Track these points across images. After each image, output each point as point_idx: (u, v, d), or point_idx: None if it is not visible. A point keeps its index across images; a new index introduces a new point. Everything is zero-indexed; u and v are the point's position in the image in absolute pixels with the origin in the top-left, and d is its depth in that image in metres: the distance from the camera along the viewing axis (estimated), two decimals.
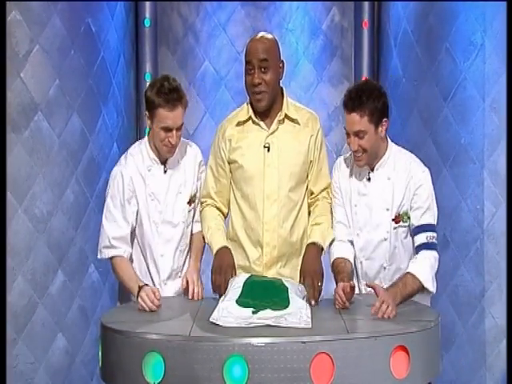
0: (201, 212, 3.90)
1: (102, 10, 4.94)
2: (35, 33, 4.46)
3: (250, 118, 3.83)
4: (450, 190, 4.91)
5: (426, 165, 4.95)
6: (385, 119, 3.57)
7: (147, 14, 5.67)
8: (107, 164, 4.97)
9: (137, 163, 3.72)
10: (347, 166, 3.75)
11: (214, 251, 3.75)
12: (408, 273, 3.48)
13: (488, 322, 4.82)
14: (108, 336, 3.15)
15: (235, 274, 3.66)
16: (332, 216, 3.83)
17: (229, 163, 3.86)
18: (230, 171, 3.87)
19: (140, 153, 3.75)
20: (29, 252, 4.52)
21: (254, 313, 3.17)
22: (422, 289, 3.49)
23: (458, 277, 4.90)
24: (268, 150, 3.80)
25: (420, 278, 3.46)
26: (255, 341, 2.88)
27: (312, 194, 3.90)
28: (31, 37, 4.45)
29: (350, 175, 3.73)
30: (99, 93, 4.90)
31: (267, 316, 3.13)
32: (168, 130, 3.61)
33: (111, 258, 3.68)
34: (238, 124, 3.85)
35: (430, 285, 3.51)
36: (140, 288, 3.45)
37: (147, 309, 3.38)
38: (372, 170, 3.67)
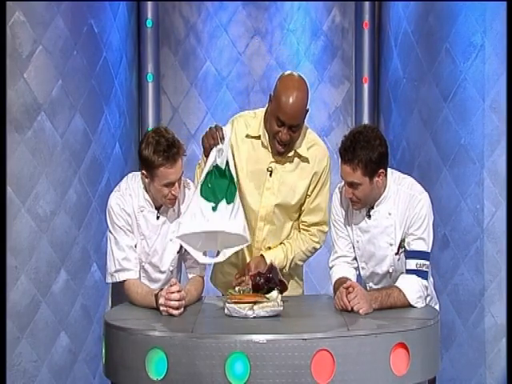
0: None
1: (105, 10, 4.96)
2: (38, 34, 4.48)
3: (259, 136, 3.75)
4: (450, 189, 4.92)
5: (425, 168, 5.02)
6: (381, 170, 3.40)
7: (149, 15, 5.69)
8: (110, 164, 5.00)
9: (133, 200, 3.55)
10: (345, 199, 3.57)
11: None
12: (395, 286, 3.41)
13: (488, 321, 4.83)
14: (111, 333, 3.18)
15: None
16: (305, 256, 3.86)
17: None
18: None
19: (137, 189, 3.56)
20: (32, 251, 4.53)
21: (213, 209, 3.44)
22: (405, 305, 3.38)
23: (458, 276, 4.91)
24: (270, 175, 3.76)
25: (407, 296, 3.37)
26: (257, 338, 2.91)
27: (303, 222, 3.86)
28: (34, 38, 4.46)
29: (350, 209, 3.58)
30: (101, 93, 4.92)
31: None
32: (171, 184, 3.45)
33: (123, 281, 3.54)
34: (247, 136, 3.79)
35: (418, 304, 3.41)
36: (156, 297, 3.33)
37: (174, 312, 3.27)
38: (372, 207, 3.51)
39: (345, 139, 3.41)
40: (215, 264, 3.92)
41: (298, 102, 3.58)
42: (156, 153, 3.38)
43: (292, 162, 3.77)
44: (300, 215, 3.87)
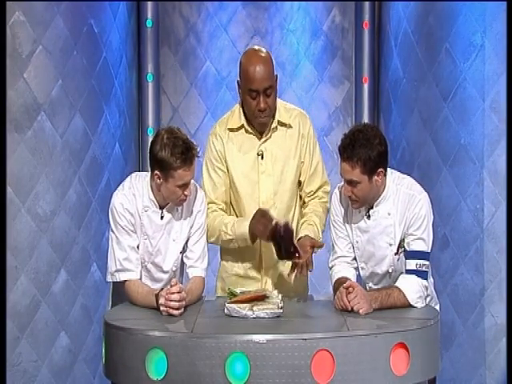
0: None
1: (105, 10, 4.97)
2: (38, 33, 4.48)
3: (242, 125, 3.80)
4: (450, 189, 4.92)
5: (425, 168, 5.02)
6: (380, 169, 3.40)
7: (149, 15, 5.70)
8: (109, 164, 5.00)
9: (137, 199, 3.54)
10: (346, 198, 3.55)
11: (248, 231, 3.70)
12: (395, 286, 3.41)
13: (488, 321, 4.83)
14: (111, 333, 3.18)
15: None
16: (325, 216, 3.82)
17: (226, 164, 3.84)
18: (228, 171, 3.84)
19: (142, 189, 3.56)
20: (32, 251, 4.53)
21: None
22: (405, 305, 3.38)
23: (457, 276, 4.91)
24: (262, 158, 3.79)
25: (407, 296, 3.38)
26: (257, 338, 2.91)
27: (309, 192, 3.88)
28: (34, 37, 4.47)
29: (349, 209, 3.58)
30: (101, 93, 4.92)
31: None
32: (185, 185, 3.46)
33: (123, 281, 3.53)
34: (231, 130, 3.82)
35: (418, 304, 3.41)
36: (157, 296, 3.32)
37: (174, 313, 3.26)
38: (371, 207, 3.52)
39: (344, 137, 3.42)
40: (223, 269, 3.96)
41: (261, 65, 3.67)
42: (174, 155, 3.37)
43: (277, 131, 3.81)
44: (302, 189, 3.88)
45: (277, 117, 3.80)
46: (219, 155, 3.82)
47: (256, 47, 3.85)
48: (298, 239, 3.66)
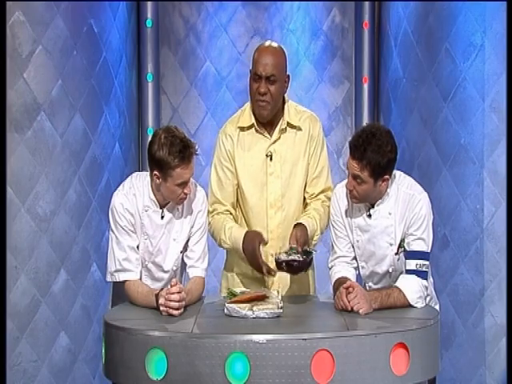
0: (210, 222, 3.79)
1: (105, 10, 4.96)
2: (38, 33, 4.48)
3: (252, 125, 3.80)
4: (450, 189, 4.92)
5: (425, 168, 5.02)
6: (387, 175, 3.41)
7: (149, 15, 5.69)
8: (109, 164, 5.00)
9: (137, 199, 3.54)
10: (345, 198, 3.58)
11: (240, 247, 3.68)
12: (395, 286, 3.42)
13: (488, 321, 4.83)
14: (111, 333, 3.18)
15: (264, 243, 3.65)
16: (326, 218, 3.78)
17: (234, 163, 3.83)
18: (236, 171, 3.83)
19: (142, 189, 3.55)
20: (32, 251, 4.54)
21: None
22: (405, 305, 3.39)
23: (457, 276, 4.91)
24: (270, 159, 3.78)
25: (407, 296, 3.38)
26: (257, 338, 2.91)
27: (311, 194, 3.87)
28: (34, 37, 4.47)
29: (349, 208, 3.59)
30: (101, 93, 4.92)
31: None
32: (184, 184, 3.45)
33: (124, 282, 3.53)
34: (241, 129, 3.81)
35: (418, 304, 3.41)
36: (157, 296, 3.32)
37: (174, 313, 3.26)
38: (372, 205, 3.52)
39: (357, 136, 3.42)
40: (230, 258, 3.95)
41: (270, 54, 3.72)
42: (171, 154, 3.37)
43: (286, 133, 3.80)
44: (305, 189, 3.86)
45: (286, 118, 3.79)
46: (228, 155, 3.81)
47: (270, 41, 3.88)
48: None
